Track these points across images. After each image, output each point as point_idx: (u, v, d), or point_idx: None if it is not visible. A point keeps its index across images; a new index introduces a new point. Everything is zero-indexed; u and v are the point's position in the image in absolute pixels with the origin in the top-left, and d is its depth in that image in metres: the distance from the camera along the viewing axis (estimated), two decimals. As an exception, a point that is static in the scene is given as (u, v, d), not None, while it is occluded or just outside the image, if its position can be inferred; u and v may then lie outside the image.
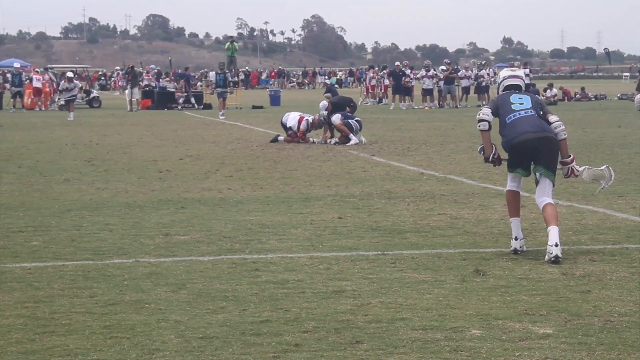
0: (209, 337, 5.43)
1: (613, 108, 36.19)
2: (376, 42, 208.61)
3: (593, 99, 45.12)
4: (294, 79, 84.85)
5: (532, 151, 8.18)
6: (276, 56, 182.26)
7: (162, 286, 6.73)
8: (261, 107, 39.10)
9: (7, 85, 43.11)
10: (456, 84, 39.66)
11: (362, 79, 54.15)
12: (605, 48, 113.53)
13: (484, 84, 40.55)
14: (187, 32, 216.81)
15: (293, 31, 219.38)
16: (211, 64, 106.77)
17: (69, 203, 11.12)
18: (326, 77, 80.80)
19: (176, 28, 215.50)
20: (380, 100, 44.33)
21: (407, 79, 39.33)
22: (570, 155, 8.72)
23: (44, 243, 8.47)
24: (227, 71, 36.88)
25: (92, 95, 43.47)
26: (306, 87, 77.08)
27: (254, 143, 20.45)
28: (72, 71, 44.34)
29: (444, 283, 6.79)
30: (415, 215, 10.00)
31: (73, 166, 15.67)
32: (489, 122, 8.47)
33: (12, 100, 40.75)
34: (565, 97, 44.58)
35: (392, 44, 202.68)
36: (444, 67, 40.40)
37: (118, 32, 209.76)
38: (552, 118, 8.40)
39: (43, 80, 41.44)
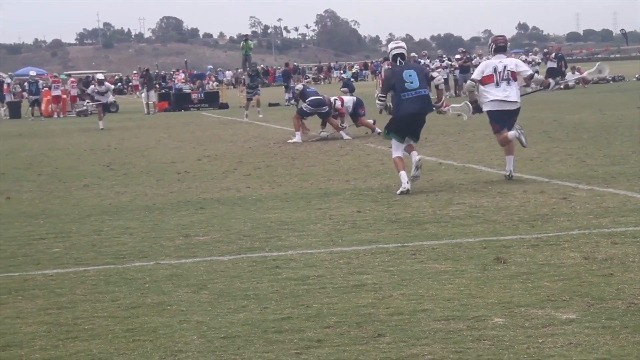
0: (231, 336, 5.44)
1: (631, 89, 35.93)
2: (390, 34, 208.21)
3: (611, 81, 44.81)
4: (310, 75, 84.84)
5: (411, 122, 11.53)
6: (291, 52, 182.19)
7: (184, 287, 6.74)
8: (277, 105, 39.13)
9: (25, 94, 43.35)
10: (471, 72, 39.50)
11: (377, 72, 54.07)
12: (622, 29, 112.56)
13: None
14: (201, 33, 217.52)
15: (307, 27, 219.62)
16: (227, 63, 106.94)
17: (89, 208, 11.18)
18: (342, 71, 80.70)
19: (190, 29, 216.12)
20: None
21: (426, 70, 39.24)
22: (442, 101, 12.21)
23: (65, 249, 8.51)
24: (258, 69, 35.85)
25: (109, 100, 43.59)
26: (322, 83, 77.05)
27: (271, 141, 20.47)
28: (102, 73, 42.83)
29: (465, 272, 6.76)
30: (434, 206, 9.97)
31: (92, 171, 15.74)
32: (385, 103, 11.83)
33: (29, 108, 41.00)
34: (582, 80, 44.27)
35: (407, 35, 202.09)
36: (458, 56, 40.27)
37: (133, 36, 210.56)
38: (434, 74, 12.12)
39: (62, 87, 41.67)
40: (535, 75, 12.94)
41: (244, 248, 8.16)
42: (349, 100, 21.15)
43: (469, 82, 12.73)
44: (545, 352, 4.84)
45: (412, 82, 11.34)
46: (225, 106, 40.06)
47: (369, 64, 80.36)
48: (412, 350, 5.00)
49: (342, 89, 41.79)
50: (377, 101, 12.06)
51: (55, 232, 9.47)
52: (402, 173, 11.14)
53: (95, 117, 34.31)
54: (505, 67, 11.89)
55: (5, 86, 43.61)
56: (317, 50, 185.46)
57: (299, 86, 22.43)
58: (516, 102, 12.01)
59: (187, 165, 15.83)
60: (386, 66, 45.25)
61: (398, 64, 11.59)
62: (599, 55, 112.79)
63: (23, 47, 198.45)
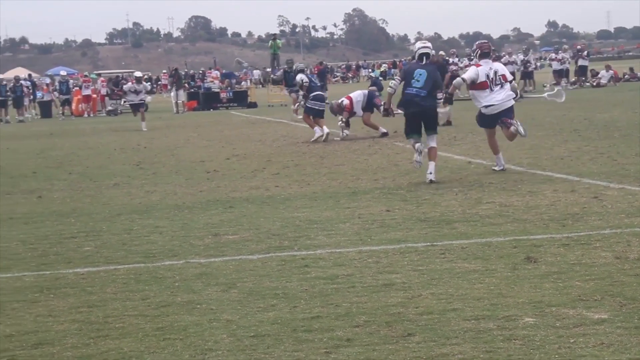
0: (261, 335, 5.44)
1: (663, 87, 35.57)
2: (419, 33, 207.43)
3: (641, 79, 44.38)
4: (338, 74, 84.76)
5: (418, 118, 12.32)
6: (319, 51, 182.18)
7: (213, 286, 6.76)
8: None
9: (56, 94, 43.73)
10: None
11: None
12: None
13: (530, 69, 40.19)
14: (229, 32, 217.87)
15: (335, 26, 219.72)
16: (255, 62, 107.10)
17: (119, 207, 11.24)
18: (370, 70, 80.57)
19: (218, 28, 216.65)
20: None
21: (455, 68, 39.13)
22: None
23: (95, 248, 8.57)
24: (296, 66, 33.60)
25: (141, 99, 43.78)
26: (350, 81, 76.95)
27: (300, 139, 20.47)
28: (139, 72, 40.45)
29: (495, 272, 6.73)
30: (463, 205, 9.93)
31: (122, 170, 15.84)
32: (394, 89, 12.64)
33: (60, 107, 41.32)
34: (612, 79, 43.94)
35: (435, 33, 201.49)
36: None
37: (162, 36, 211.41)
38: (439, 95, 12.80)
39: (92, 87, 41.97)
40: (513, 83, 13.86)
41: (273, 247, 8.18)
42: (358, 95, 20.85)
43: (458, 80, 13.43)
44: (577, 352, 4.80)
45: (418, 81, 12.24)
46: (254, 105, 40.13)
47: (398, 63, 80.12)
48: (442, 349, 4.98)
49: (370, 88, 41.82)
50: (389, 85, 12.91)
51: (86, 231, 9.54)
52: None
53: (126, 117, 34.49)
54: (496, 72, 12.87)
55: (44, 87, 43.87)
56: (345, 49, 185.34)
57: (303, 77, 21.18)
58: (509, 101, 12.94)
59: (216, 164, 15.87)
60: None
61: (422, 62, 12.43)
62: (630, 53, 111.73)
63: (54, 47, 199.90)
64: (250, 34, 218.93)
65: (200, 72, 59.38)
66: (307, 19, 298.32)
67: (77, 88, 42.11)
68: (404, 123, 12.53)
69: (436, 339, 5.18)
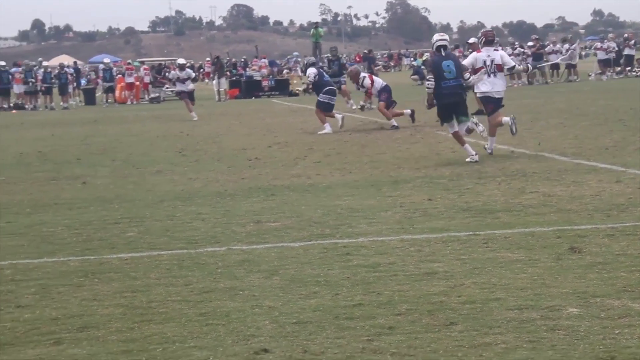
0: (303, 322, 5.46)
1: None
2: (461, 21, 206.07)
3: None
4: (380, 62, 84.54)
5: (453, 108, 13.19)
6: (361, 40, 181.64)
7: (255, 273, 6.79)
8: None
9: (99, 81, 44.10)
10: (545, 59, 38.97)
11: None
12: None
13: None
14: (271, 20, 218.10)
15: (377, 14, 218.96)
16: (297, 50, 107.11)
17: (162, 194, 11.32)
18: (412, 59, 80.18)
19: (260, 17, 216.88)
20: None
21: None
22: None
23: (139, 234, 8.64)
24: (340, 55, 31.79)
25: (189, 88, 44.00)
26: (392, 70, 76.68)
27: (342, 128, 20.42)
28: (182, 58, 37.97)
29: (539, 262, 6.68)
30: (506, 194, 9.87)
31: (165, 157, 15.95)
32: (432, 87, 13.11)
33: (104, 95, 41.69)
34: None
35: (478, 22, 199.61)
36: (531, 43, 39.74)
37: (204, 24, 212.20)
38: (465, 75, 13.29)
39: (135, 74, 42.29)
40: (516, 66, 15.05)
41: (314, 235, 8.19)
42: (378, 82, 20.72)
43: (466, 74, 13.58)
44: (622, 344, 4.76)
45: (450, 72, 13.07)
46: (295, 94, 40.17)
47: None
48: (484, 339, 4.96)
49: (412, 77, 41.68)
50: (426, 84, 13.37)
51: (130, 217, 9.62)
52: (466, 146, 13.12)
53: (169, 104, 34.65)
54: (492, 61, 13.73)
55: (95, 75, 43.73)
56: (387, 38, 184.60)
57: (313, 71, 20.91)
58: (500, 91, 13.86)
59: (258, 152, 15.92)
60: (457, 53, 45.08)
61: (442, 54, 13.24)
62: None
63: (97, 35, 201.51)
64: (292, 22, 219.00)
65: (242, 60, 59.50)
66: (349, 7, 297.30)
67: (120, 75, 42.43)
68: (438, 114, 13.51)
69: (478, 328, 5.16)
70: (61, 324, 5.67)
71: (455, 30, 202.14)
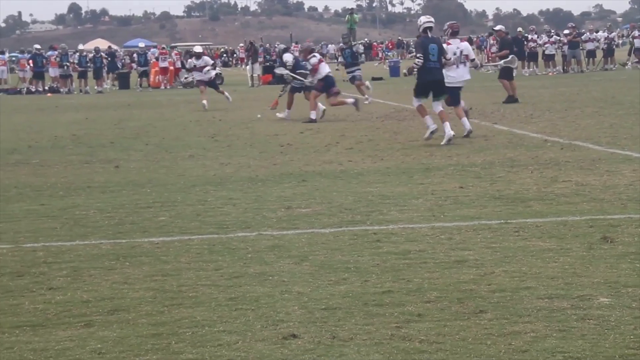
0: (332, 308, 5.46)
1: None
2: (497, 9, 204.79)
3: None
4: (413, 49, 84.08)
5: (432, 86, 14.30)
6: (395, 27, 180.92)
7: (285, 258, 6.80)
8: (380, 79, 38.97)
9: (134, 65, 44.25)
10: (581, 47, 38.60)
11: (482, 46, 53.27)
12: None
13: (613, 47, 39.44)
14: (306, 6, 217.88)
15: (412, 1, 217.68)
16: (331, 37, 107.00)
17: (193, 178, 11.37)
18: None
19: (295, 2, 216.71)
20: (502, 67, 43.52)
21: (533, 45, 38.56)
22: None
23: (170, 218, 8.69)
24: (353, 43, 29.76)
25: (210, 77, 44.13)
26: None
27: (373, 115, 20.40)
28: (200, 45, 37.23)
29: (570, 251, 6.63)
30: (539, 183, 9.80)
31: (197, 142, 16.01)
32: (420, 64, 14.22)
33: (138, 79, 41.90)
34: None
35: (514, 9, 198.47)
36: (567, 31, 39.37)
37: (239, 9, 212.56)
38: (447, 56, 14.69)
39: (169, 59, 42.43)
40: (475, 60, 16.42)
41: (345, 221, 8.19)
42: (323, 70, 20.22)
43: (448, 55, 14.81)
44: (653, 335, 4.71)
45: (433, 55, 14.23)
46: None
47: (474, 39, 79.10)
48: (514, 327, 4.94)
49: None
50: (416, 61, 14.44)
51: (161, 201, 9.67)
52: (427, 117, 14.32)
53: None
54: (462, 51, 15.33)
55: (154, 61, 43.26)
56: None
57: (290, 57, 21.10)
58: (465, 80, 15.50)
59: (290, 138, 15.93)
60: (491, 41, 44.74)
61: (429, 35, 14.39)
62: None
63: (133, 19, 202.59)
64: (326, 8, 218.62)
65: (277, 45, 59.46)
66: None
67: (155, 60, 42.60)
68: (416, 88, 14.56)
69: (508, 316, 5.13)
70: (92, 306, 5.72)
71: (490, 17, 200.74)
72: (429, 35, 14.39)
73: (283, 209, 8.89)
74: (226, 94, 25.52)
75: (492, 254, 6.67)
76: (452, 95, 14.96)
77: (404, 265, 6.43)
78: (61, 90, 39.67)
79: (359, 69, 25.58)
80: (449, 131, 13.84)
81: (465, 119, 14.80)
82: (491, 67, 29.01)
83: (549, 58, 38.45)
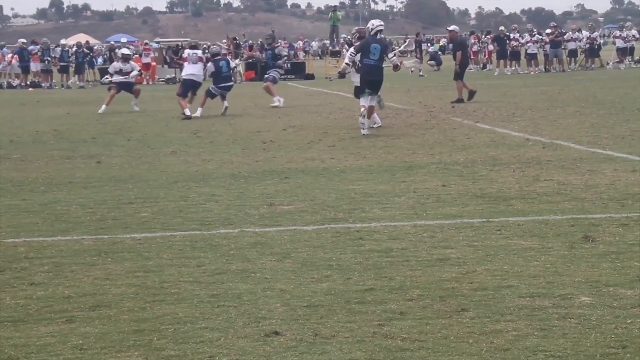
0: (314, 305, 5.47)
1: None
2: (479, 7, 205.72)
3: None
4: (396, 47, 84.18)
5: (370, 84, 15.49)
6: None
7: (267, 255, 6.80)
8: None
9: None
10: (563, 47, 38.76)
11: (465, 45, 53.31)
12: None
13: (596, 46, 39.63)
14: (289, 3, 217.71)
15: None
16: (314, 34, 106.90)
17: (176, 174, 11.35)
18: (428, 44, 79.84)
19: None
20: (484, 66, 43.71)
21: (515, 44, 38.69)
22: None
23: (152, 214, 8.66)
24: (278, 44, 29.64)
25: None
26: (408, 55, 76.28)
27: (356, 112, 20.37)
28: (127, 47, 33.71)
29: (552, 250, 6.67)
30: (520, 182, 9.84)
31: (179, 138, 15.97)
32: (353, 61, 16.02)
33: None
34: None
35: (496, 8, 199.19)
36: (549, 31, 39.53)
37: (222, 5, 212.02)
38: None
39: (151, 54, 42.28)
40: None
41: (327, 218, 8.19)
42: (185, 70, 21.86)
43: (345, 64, 16.86)
44: (634, 333, 4.74)
45: (374, 54, 15.37)
46: (311, 77, 40.10)
47: (457, 37, 79.16)
48: (495, 326, 4.96)
49: (428, 62, 41.51)
50: (348, 56, 16.29)
51: (144, 197, 9.65)
52: (375, 115, 16.16)
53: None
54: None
55: (136, 56, 42.98)
56: (405, 23, 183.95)
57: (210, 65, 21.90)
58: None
59: (273, 135, 15.92)
60: (472, 40, 44.90)
61: (376, 37, 15.53)
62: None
63: (115, 14, 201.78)
64: (309, 5, 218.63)
65: (259, 42, 59.38)
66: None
67: (137, 56, 42.40)
68: (357, 85, 15.96)
69: (490, 315, 5.15)
70: (73, 302, 5.70)
71: (473, 16, 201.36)
72: (377, 37, 15.58)
73: (265, 206, 8.88)
74: (133, 103, 23.55)
75: (474, 252, 6.70)
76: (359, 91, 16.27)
77: (387, 263, 6.45)
78: (43, 85, 39.45)
79: (276, 71, 24.85)
80: (377, 122, 16.13)
81: (375, 115, 16.40)
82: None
83: (531, 57, 38.60)
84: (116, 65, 24.39)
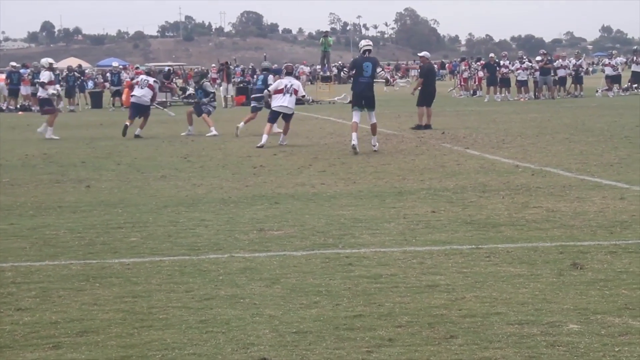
0: (303, 331, 5.45)
1: None
2: (470, 34, 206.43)
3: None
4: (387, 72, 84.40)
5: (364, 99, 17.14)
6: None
7: (257, 281, 6.79)
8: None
9: (107, 84, 44.06)
10: (552, 74, 38.96)
11: (455, 71, 53.68)
12: None
13: (581, 74, 39.83)
14: (280, 28, 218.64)
15: (386, 25, 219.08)
16: (305, 59, 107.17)
17: (165, 199, 11.33)
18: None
19: (270, 24, 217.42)
20: (474, 93, 43.90)
21: (505, 70, 38.90)
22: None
23: (142, 239, 8.64)
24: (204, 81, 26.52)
25: (188, 92, 44.11)
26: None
27: (346, 137, 20.41)
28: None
29: (540, 277, 6.67)
30: (510, 209, 9.86)
31: (169, 163, 15.96)
32: (350, 76, 17.70)
33: (111, 98, 41.73)
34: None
35: (487, 35, 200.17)
36: (539, 58, 39.75)
37: (213, 30, 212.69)
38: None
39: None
40: (305, 95, 21.16)
41: (317, 244, 8.19)
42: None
43: (266, 92, 20.46)
44: (622, 362, 4.74)
45: (366, 71, 17.02)
46: (301, 102, 40.13)
47: (447, 64, 79.67)
48: (484, 353, 4.95)
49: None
50: (342, 74, 19.54)
51: (133, 222, 9.63)
52: (354, 134, 16.74)
53: (174, 109, 34.63)
54: (291, 85, 19.35)
55: (127, 80, 42.89)
56: (395, 49, 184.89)
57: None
58: (291, 108, 19.43)
59: (263, 160, 15.93)
60: (463, 66, 45.07)
61: (365, 56, 17.18)
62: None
63: (106, 38, 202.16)
64: (301, 30, 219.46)
65: (250, 67, 59.57)
66: (359, 17, 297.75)
67: (128, 79, 42.45)
68: (352, 100, 17.32)
69: (479, 342, 5.15)
70: (61, 328, 5.67)
71: (463, 42, 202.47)
72: (366, 55, 17.16)
73: (255, 231, 8.87)
74: (40, 129, 22.76)
75: (463, 278, 6.70)
76: (273, 115, 19.32)
77: (376, 289, 6.44)
78: (33, 108, 39.40)
79: (206, 105, 24.10)
80: (373, 146, 17.15)
81: (265, 136, 18.75)
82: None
83: (521, 84, 38.82)
84: (42, 91, 22.88)
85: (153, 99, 23.78)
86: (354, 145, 16.58)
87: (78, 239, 8.71)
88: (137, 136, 22.24)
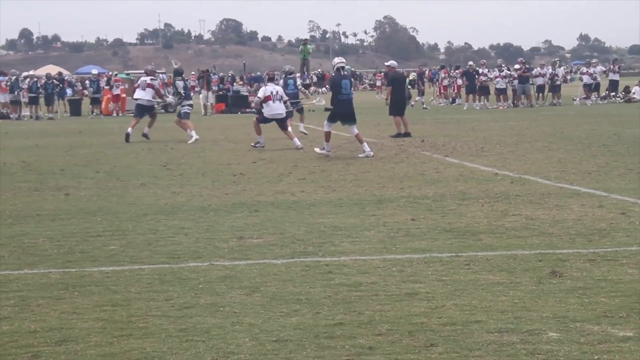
0: (283, 340, 5.45)
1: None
2: (449, 42, 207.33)
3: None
4: (366, 81, 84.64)
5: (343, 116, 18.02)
6: (349, 58, 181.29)
7: (237, 289, 6.78)
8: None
9: (86, 92, 43.87)
10: (531, 82, 39.19)
11: (434, 79, 53.88)
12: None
13: (558, 82, 40.06)
14: (260, 36, 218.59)
15: (365, 32, 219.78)
16: (284, 66, 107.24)
17: (145, 207, 11.29)
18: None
19: (249, 32, 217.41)
20: (453, 101, 44.08)
21: (484, 78, 39.07)
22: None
23: (121, 247, 8.61)
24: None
25: (167, 101, 43.93)
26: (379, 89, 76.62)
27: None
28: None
29: (520, 285, 6.70)
30: (489, 217, 9.90)
31: (149, 171, 15.91)
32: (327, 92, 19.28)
33: (90, 106, 41.57)
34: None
35: (466, 43, 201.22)
36: (517, 66, 39.98)
37: (192, 37, 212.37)
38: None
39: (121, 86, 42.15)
40: (287, 103, 20.95)
41: (297, 252, 8.18)
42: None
43: (256, 99, 21.03)
44: (600, 369, 4.77)
45: (345, 89, 17.90)
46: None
47: (427, 72, 79.81)
48: (464, 361, 4.96)
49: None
50: (324, 88, 19.68)
51: (112, 230, 9.59)
52: (328, 144, 17.94)
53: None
54: (277, 92, 20.32)
55: (106, 88, 42.62)
56: (375, 56, 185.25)
57: (180, 84, 23.92)
58: (282, 113, 20.29)
59: (243, 168, 15.92)
60: (442, 74, 45.33)
61: (342, 73, 18.06)
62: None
63: (85, 46, 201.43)
64: (280, 38, 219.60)
65: (230, 75, 59.53)
66: (338, 25, 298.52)
67: (107, 87, 42.31)
68: (330, 115, 17.99)
69: (458, 350, 5.16)
70: (40, 337, 5.64)
71: (442, 50, 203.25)
72: (342, 73, 18.04)
73: (235, 239, 8.86)
74: None
75: (443, 286, 6.71)
76: (268, 122, 20.32)
77: (356, 298, 6.44)
78: (11, 116, 39.21)
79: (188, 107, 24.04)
80: (368, 151, 17.43)
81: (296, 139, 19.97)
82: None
83: (500, 92, 39.01)
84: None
85: (158, 95, 24.30)
86: (326, 154, 17.81)
87: (57, 247, 8.66)
88: (144, 135, 22.76)
